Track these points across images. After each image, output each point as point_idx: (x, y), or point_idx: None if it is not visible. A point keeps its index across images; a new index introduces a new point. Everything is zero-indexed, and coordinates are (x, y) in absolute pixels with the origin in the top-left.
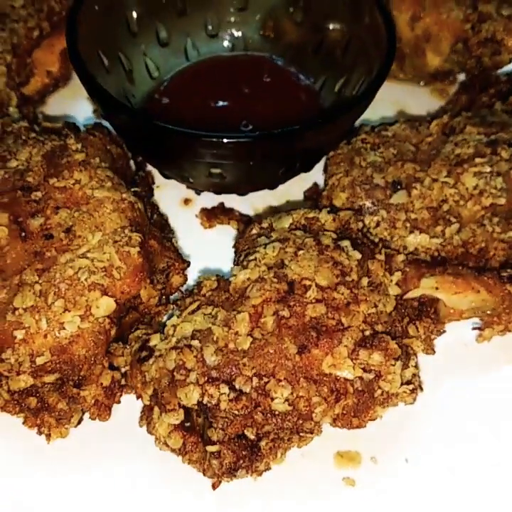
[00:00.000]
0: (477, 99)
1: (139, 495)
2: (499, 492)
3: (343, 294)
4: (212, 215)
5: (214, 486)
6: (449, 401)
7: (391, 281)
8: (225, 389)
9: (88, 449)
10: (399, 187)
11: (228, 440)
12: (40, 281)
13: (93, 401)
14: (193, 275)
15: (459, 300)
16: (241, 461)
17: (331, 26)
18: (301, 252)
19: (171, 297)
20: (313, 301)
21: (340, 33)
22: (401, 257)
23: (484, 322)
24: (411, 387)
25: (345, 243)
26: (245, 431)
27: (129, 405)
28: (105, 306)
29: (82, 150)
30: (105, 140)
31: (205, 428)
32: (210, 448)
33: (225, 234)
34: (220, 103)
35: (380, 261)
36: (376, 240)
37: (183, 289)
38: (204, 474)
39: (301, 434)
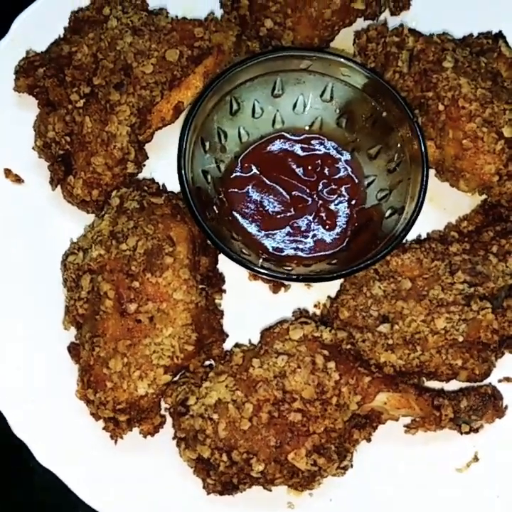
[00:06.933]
0: (483, 231)
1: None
2: None
3: (316, 407)
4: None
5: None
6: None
7: (353, 400)
8: (224, 457)
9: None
10: (386, 321)
11: (220, 482)
12: (127, 354)
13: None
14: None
15: (398, 411)
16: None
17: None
18: (299, 370)
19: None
20: (296, 409)
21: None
22: (367, 379)
23: (413, 421)
24: (344, 469)
25: (331, 365)
26: (232, 479)
27: None
28: (165, 380)
29: (172, 253)
30: (190, 226)
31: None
32: (209, 480)
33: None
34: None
35: (351, 385)
36: (361, 350)
37: None
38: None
39: (265, 487)
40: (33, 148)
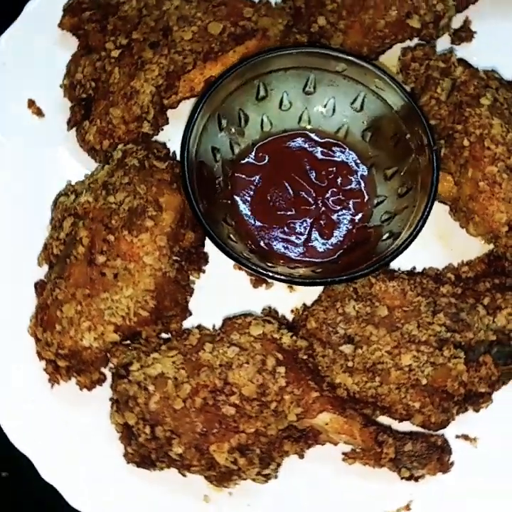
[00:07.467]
0: (481, 281)
1: None
2: None
3: (253, 407)
4: None
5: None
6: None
7: (293, 411)
8: (147, 429)
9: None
10: (350, 342)
11: (138, 454)
12: (83, 303)
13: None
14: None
15: (338, 436)
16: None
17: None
18: (246, 365)
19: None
20: (231, 403)
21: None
22: (314, 394)
23: (352, 451)
24: (265, 477)
25: (281, 370)
26: (151, 453)
27: None
28: (112, 338)
29: (154, 217)
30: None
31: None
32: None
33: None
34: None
35: (295, 395)
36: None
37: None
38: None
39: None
40: (60, 86)
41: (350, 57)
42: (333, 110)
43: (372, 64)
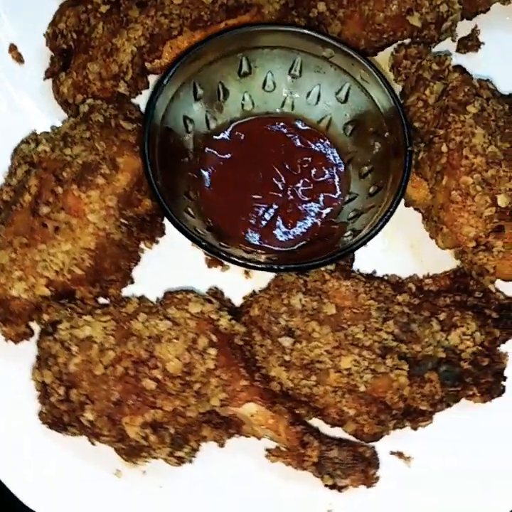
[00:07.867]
0: (442, 295)
1: None
2: None
3: (175, 385)
4: None
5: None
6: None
7: (217, 395)
8: (61, 391)
9: None
10: (290, 335)
11: (51, 415)
12: (18, 251)
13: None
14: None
15: (262, 430)
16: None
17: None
18: (175, 341)
19: None
20: (153, 377)
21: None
22: (243, 382)
23: (276, 448)
24: (178, 460)
25: (212, 352)
26: (63, 417)
27: None
28: (42, 292)
29: (107, 176)
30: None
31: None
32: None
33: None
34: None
35: (222, 380)
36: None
37: None
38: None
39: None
40: (43, 34)
41: (337, 44)
42: (318, 98)
43: (361, 55)
